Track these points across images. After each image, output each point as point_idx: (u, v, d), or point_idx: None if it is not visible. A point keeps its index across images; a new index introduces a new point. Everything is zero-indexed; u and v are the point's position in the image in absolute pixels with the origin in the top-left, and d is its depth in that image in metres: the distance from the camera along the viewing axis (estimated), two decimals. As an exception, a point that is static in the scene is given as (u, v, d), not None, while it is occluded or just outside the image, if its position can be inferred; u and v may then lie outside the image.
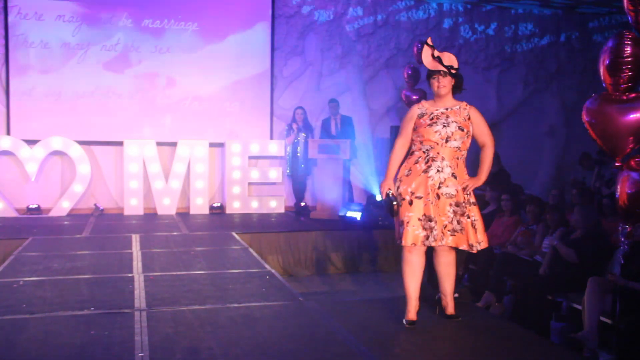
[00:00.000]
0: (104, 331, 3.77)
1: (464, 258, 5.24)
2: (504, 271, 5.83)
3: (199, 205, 9.36)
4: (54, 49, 9.33)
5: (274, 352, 3.48)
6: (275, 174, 9.58)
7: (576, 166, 9.88)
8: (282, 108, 10.20)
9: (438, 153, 3.82)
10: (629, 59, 4.10)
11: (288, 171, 9.40)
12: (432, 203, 3.79)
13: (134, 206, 9.14)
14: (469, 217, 3.82)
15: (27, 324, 3.92)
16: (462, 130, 3.83)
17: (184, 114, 9.81)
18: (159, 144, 9.31)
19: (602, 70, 4.25)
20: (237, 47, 9.95)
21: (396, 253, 7.67)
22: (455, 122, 3.83)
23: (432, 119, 3.85)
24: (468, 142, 3.87)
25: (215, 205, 9.50)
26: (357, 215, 8.23)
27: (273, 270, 5.54)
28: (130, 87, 9.63)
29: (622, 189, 4.23)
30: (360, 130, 9.74)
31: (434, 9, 10.83)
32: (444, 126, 3.82)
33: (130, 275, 5.27)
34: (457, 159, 3.84)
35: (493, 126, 10.82)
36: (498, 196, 7.05)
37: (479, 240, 3.84)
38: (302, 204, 9.41)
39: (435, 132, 3.82)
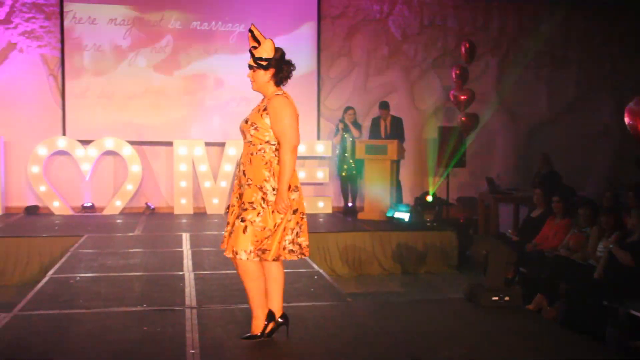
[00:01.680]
0: (156, 327, 3.85)
1: (514, 260, 5.15)
2: (556, 274, 5.69)
3: (247, 205, 9.42)
4: (107, 51, 9.58)
5: (322, 351, 3.50)
6: (322, 174, 9.59)
7: (631, 167, 9.56)
8: (328, 108, 10.21)
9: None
10: None
11: (341, 172, 9.31)
12: (232, 205, 3.57)
13: (183, 205, 9.30)
14: (243, 221, 3.38)
15: (84, 318, 4.04)
16: (246, 122, 3.49)
17: (232, 114, 9.88)
18: (207, 144, 9.45)
19: None
20: (284, 47, 9.95)
21: (444, 255, 7.61)
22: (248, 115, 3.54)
23: None
24: (263, 135, 3.42)
25: (262, 204, 9.55)
26: (406, 216, 8.16)
27: (321, 270, 5.56)
28: (179, 88, 9.80)
29: None
30: (408, 131, 9.62)
31: (481, 8, 10.65)
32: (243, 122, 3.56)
33: (180, 273, 5.37)
34: (252, 154, 3.45)
35: (543, 126, 10.92)
36: (548, 198, 6.88)
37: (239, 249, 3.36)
38: (350, 204, 9.38)
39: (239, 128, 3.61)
